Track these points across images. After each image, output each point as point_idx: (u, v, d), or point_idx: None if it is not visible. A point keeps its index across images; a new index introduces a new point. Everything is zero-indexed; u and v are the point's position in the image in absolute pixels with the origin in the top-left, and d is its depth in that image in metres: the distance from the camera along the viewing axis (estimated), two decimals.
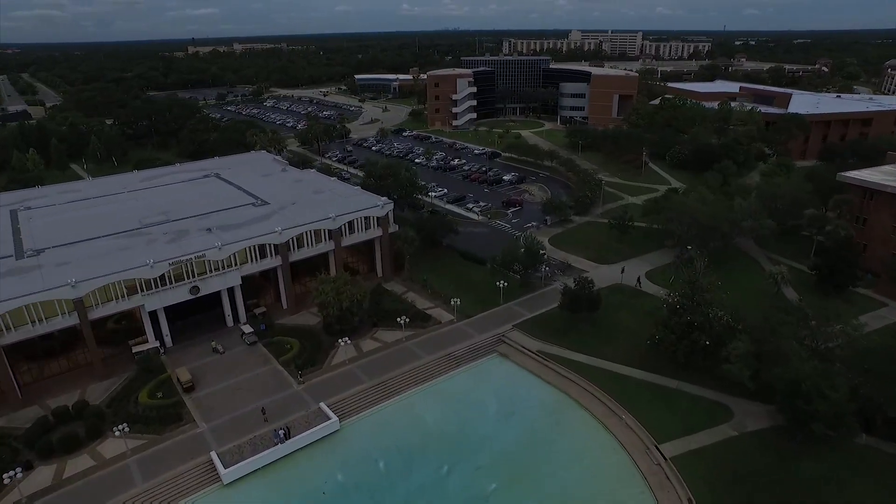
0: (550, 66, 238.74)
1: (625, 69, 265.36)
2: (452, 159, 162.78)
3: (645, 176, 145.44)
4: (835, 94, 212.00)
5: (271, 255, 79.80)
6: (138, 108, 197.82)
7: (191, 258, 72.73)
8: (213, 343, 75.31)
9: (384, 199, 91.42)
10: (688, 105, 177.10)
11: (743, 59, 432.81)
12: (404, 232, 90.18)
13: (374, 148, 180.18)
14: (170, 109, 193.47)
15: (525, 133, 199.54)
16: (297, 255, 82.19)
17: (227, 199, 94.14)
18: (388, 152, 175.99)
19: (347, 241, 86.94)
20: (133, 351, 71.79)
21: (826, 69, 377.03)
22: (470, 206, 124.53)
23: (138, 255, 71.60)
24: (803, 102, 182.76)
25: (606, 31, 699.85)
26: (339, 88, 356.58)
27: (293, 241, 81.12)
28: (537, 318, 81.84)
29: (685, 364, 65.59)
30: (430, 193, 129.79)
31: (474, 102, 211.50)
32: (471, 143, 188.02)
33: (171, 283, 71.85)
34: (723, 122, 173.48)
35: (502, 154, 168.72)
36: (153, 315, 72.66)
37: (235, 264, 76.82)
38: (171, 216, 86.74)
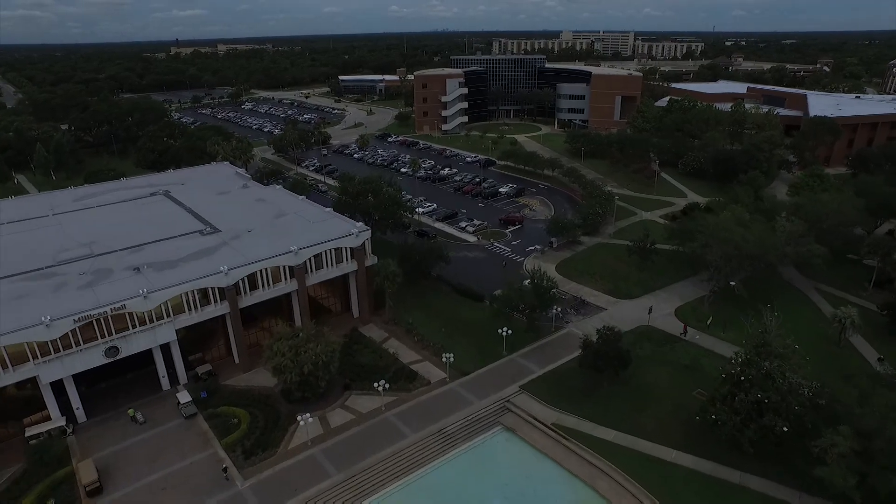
0: (546, 66, 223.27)
1: (626, 69, 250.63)
2: (442, 168, 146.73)
3: (657, 187, 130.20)
4: (854, 96, 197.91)
5: (216, 302, 63.41)
6: (97, 111, 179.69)
7: (106, 311, 56.16)
8: (131, 411, 58.94)
9: (360, 224, 75.18)
10: (699, 107, 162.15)
11: (740, 59, 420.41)
12: (385, 265, 73.99)
13: (355, 156, 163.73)
14: (132, 113, 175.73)
15: (521, 138, 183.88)
16: (249, 300, 65.80)
17: (170, 226, 77.47)
18: (370, 160, 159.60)
19: (314, 278, 70.67)
20: (26, 434, 55.02)
21: (828, 69, 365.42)
22: (463, 224, 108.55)
23: (35, 308, 54.95)
24: (822, 104, 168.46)
25: (598, 32, 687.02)
26: (322, 91, 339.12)
27: (244, 282, 64.73)
28: (550, 375, 65.97)
29: (753, 452, 49.99)
30: (417, 210, 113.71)
31: (465, 105, 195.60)
32: (462, 149, 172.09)
33: (78, 344, 55.25)
34: (737, 125, 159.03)
35: (497, 162, 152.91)
36: (58, 383, 56.07)
37: (168, 315, 60.37)
38: (96, 249, 70.07)
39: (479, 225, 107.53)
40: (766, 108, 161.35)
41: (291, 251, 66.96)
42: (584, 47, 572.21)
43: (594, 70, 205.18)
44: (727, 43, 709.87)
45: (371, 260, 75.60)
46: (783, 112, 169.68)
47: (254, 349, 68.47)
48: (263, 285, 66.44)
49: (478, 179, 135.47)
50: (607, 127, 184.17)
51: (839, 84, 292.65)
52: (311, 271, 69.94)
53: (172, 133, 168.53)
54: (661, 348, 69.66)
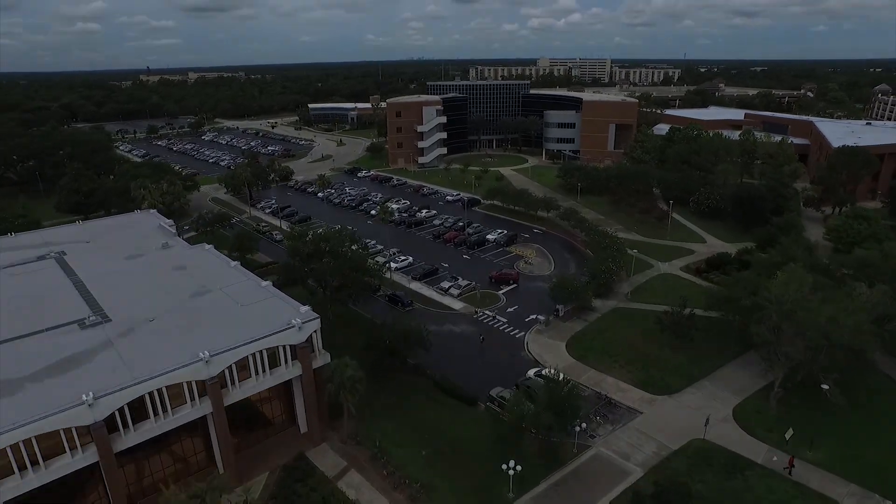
0: (531, 92, 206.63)
1: (619, 94, 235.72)
2: (419, 210, 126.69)
3: (671, 230, 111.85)
4: (864, 122, 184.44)
5: (75, 449, 41.65)
6: (21, 144, 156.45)
7: None
8: None
9: (305, 310, 54.20)
10: (706, 136, 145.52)
11: (722, 85, 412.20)
12: (341, 368, 52.99)
13: (320, 195, 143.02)
14: (61, 147, 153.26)
15: (506, 171, 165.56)
16: (133, 439, 44.15)
17: (42, 311, 55.58)
18: (336, 201, 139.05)
19: (237, 394, 49.31)
20: None
21: (811, 94, 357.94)
22: (446, 285, 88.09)
23: None
24: (837, 132, 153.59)
25: (575, 58, 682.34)
26: (291, 121, 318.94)
27: (123, 411, 43.15)
28: None
29: None
30: (388, 265, 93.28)
31: (444, 135, 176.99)
32: (442, 185, 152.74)
33: None
34: (747, 156, 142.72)
35: (482, 201, 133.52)
36: None
37: None
38: None
39: (466, 286, 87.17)
40: (777, 137, 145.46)
41: (201, 359, 45.71)
42: (562, 73, 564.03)
43: (585, 96, 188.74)
44: (702, 70, 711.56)
45: (322, 358, 54.56)
46: (798, 141, 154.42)
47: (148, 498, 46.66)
48: (157, 413, 44.85)
49: (461, 224, 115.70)
50: (601, 158, 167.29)
51: (826, 109, 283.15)
52: (233, 384, 48.65)
53: (111, 169, 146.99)
54: (730, 482, 49.42)
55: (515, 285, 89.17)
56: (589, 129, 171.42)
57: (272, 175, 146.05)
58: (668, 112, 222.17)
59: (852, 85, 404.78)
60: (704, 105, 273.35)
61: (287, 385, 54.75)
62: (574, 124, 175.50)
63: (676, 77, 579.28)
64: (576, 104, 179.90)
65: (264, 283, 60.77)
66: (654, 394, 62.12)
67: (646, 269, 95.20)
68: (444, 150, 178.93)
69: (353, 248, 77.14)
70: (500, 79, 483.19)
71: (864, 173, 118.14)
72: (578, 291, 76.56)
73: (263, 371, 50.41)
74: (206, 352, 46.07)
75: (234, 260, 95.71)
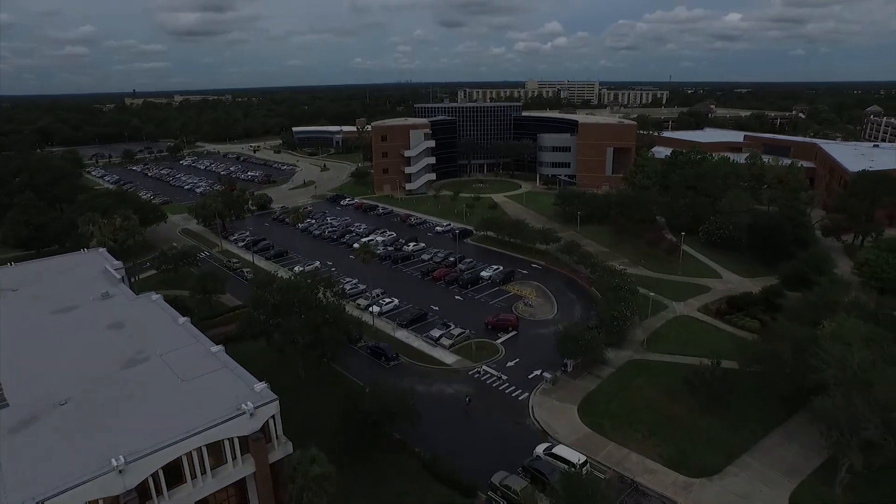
0: (523, 115, 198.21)
1: (615, 116, 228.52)
2: (406, 243, 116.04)
3: (682, 263, 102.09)
4: (871, 144, 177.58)
5: None
6: None
7: None
8: None
9: (261, 388, 43.09)
10: (711, 160, 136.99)
11: (713, 106, 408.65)
12: (304, 465, 41.81)
13: (299, 226, 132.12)
14: (19, 172, 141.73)
15: (499, 198, 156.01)
16: None
17: None
18: (316, 232, 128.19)
19: None
20: None
21: (803, 115, 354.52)
22: (436, 334, 77.03)
23: None
24: (847, 155, 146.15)
25: (564, 81, 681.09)
26: (275, 144, 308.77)
27: None
28: None
29: None
30: (370, 310, 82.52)
31: (432, 160, 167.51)
32: (431, 214, 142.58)
33: None
34: (755, 181, 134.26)
35: (475, 232, 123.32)
36: None
37: None
38: None
39: (459, 335, 76.21)
40: (786, 161, 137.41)
41: (113, 468, 34.44)
42: (550, 95, 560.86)
43: (581, 118, 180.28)
44: (689, 91, 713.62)
45: (282, 449, 43.38)
46: (808, 164, 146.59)
47: None
48: None
49: (452, 258, 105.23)
50: (598, 183, 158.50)
51: (822, 130, 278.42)
52: (160, 496, 37.29)
53: (73, 198, 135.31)
54: None
55: (515, 333, 78.48)
56: (585, 153, 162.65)
57: (246, 205, 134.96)
58: (666, 134, 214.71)
59: (839, 106, 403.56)
60: (699, 127, 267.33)
61: (240, 484, 43.39)
62: (569, 148, 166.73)
63: (665, 99, 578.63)
64: (571, 127, 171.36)
65: (215, 349, 49.53)
66: (689, 476, 51.30)
67: (659, 310, 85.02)
68: (433, 176, 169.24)
69: (329, 294, 66.23)
70: (489, 101, 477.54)
71: (890, 199, 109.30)
72: (589, 344, 65.93)
73: (203, 473, 39.15)
74: (120, 457, 34.83)
75: (198, 302, 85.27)
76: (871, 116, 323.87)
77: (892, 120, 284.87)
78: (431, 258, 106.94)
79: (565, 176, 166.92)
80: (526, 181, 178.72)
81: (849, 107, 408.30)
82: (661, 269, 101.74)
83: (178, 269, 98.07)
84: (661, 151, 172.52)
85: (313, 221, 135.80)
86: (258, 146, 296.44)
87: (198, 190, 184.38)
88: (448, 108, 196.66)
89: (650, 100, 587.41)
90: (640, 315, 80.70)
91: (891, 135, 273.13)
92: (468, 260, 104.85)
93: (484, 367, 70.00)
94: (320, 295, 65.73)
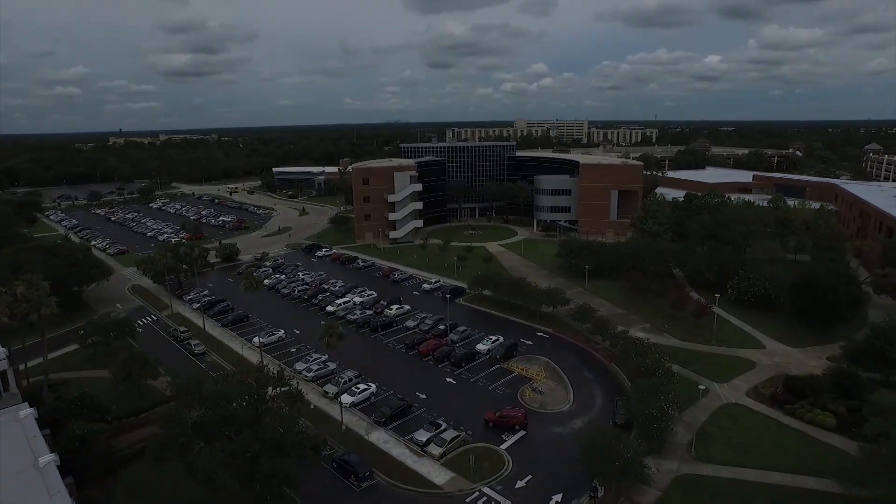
0: (517, 155, 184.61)
1: (612, 155, 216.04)
2: (389, 305, 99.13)
3: (715, 330, 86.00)
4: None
5: None
6: None
7: None
8: None
9: None
10: (732, 204, 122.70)
11: (707, 143, 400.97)
12: None
13: (266, 282, 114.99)
14: None
15: (494, 247, 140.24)
16: None
17: None
18: (285, 291, 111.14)
19: None
20: None
21: (800, 153, 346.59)
22: (422, 437, 59.49)
23: None
24: (872, 196, 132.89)
25: (553, 120, 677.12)
26: (255, 185, 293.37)
27: None
28: None
29: None
30: (339, 399, 65.37)
31: (419, 205, 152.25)
32: (418, 267, 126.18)
33: None
34: (782, 227, 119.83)
35: (468, 290, 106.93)
36: None
37: None
38: None
39: (453, 439, 58.88)
40: (815, 205, 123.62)
41: None
42: (540, 134, 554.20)
43: (582, 159, 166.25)
44: (677, 129, 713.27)
45: None
46: (814, 206, 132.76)
47: None
48: None
49: (442, 326, 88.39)
50: (602, 229, 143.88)
51: (829, 169, 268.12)
52: None
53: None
54: None
55: (524, 433, 61.40)
56: (588, 197, 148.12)
57: (201, 260, 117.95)
58: (671, 174, 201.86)
59: (827, 144, 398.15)
60: (699, 166, 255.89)
61: None
62: (570, 191, 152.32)
63: (654, 137, 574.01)
64: (571, 168, 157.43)
65: None
66: None
67: (699, 394, 68.40)
68: (420, 223, 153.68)
69: (279, 400, 49.04)
70: (478, 140, 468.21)
71: None
72: (628, 465, 48.93)
73: None
74: None
75: (120, 394, 68.08)
76: (871, 154, 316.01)
77: (895, 158, 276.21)
78: (418, 325, 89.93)
79: (565, 221, 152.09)
80: (522, 227, 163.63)
81: (841, 145, 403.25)
82: (690, 336, 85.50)
83: (108, 343, 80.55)
84: (667, 193, 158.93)
85: (283, 277, 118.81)
86: (235, 188, 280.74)
87: (161, 238, 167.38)
88: (436, 147, 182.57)
89: (640, 138, 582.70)
90: (678, 404, 64.01)
91: (894, 173, 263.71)
92: (461, 328, 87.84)
93: (486, 488, 52.62)
94: (268, 399, 48.60)
